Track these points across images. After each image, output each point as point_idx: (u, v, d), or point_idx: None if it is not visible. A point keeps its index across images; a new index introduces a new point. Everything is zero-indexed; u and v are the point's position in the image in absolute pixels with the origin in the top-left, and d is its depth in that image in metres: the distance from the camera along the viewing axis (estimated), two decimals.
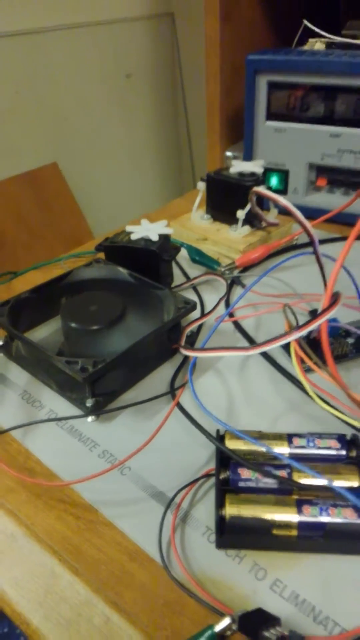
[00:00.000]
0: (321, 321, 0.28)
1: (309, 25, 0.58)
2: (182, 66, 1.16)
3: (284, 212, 0.51)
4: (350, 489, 0.25)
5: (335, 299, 0.28)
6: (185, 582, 0.23)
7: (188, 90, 1.18)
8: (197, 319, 0.36)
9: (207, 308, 0.40)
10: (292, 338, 0.28)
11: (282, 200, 0.33)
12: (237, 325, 0.39)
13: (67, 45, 0.93)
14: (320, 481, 0.24)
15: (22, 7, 0.85)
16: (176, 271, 0.45)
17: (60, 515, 0.26)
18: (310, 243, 0.31)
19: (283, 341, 0.28)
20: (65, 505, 0.26)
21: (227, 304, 0.41)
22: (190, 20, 1.08)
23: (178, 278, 0.44)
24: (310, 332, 0.35)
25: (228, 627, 0.21)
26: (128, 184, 1.17)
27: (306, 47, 0.56)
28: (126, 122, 1.10)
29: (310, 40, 0.57)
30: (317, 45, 0.56)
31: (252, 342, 0.37)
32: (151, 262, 0.39)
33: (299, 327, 0.28)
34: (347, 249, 0.27)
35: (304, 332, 0.27)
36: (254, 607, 0.22)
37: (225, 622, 0.21)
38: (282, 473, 0.25)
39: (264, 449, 0.26)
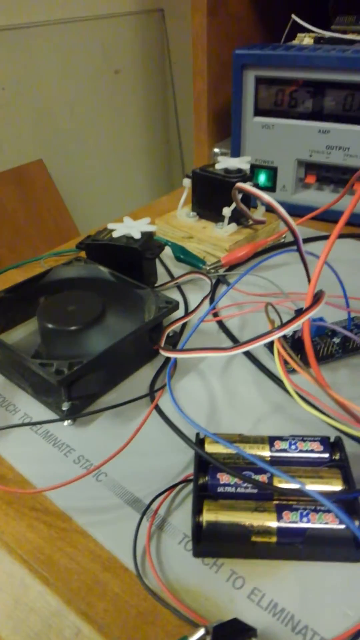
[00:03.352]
0: (303, 320, 0.27)
1: (298, 20, 0.57)
2: (172, 62, 1.15)
3: (271, 209, 0.50)
4: (333, 493, 0.24)
5: (318, 297, 0.28)
6: (160, 591, 0.22)
7: (178, 86, 1.17)
8: (178, 319, 0.35)
9: (192, 308, 0.39)
10: (273, 337, 0.27)
11: (265, 196, 0.32)
12: (221, 324, 0.38)
13: (55, 41, 0.92)
14: (297, 485, 0.23)
15: (8, 2, 0.84)
16: (160, 270, 0.44)
17: (32, 523, 0.25)
18: (295, 241, 0.30)
19: (264, 341, 0.27)
20: (37, 513, 0.25)
21: (211, 303, 0.41)
22: (180, 16, 1.07)
23: (162, 277, 0.43)
24: (295, 332, 0.35)
25: (202, 639, 0.20)
26: (117, 181, 1.15)
27: (295, 42, 0.56)
28: (114, 118, 1.09)
29: (299, 35, 0.56)
30: (306, 40, 0.56)
31: (235, 342, 0.36)
32: (134, 260, 0.39)
33: (280, 326, 0.27)
34: (330, 245, 0.26)
35: (285, 331, 0.27)
36: (230, 618, 0.21)
37: (200, 633, 0.20)
38: (263, 477, 0.24)
39: (241, 454, 0.25)
